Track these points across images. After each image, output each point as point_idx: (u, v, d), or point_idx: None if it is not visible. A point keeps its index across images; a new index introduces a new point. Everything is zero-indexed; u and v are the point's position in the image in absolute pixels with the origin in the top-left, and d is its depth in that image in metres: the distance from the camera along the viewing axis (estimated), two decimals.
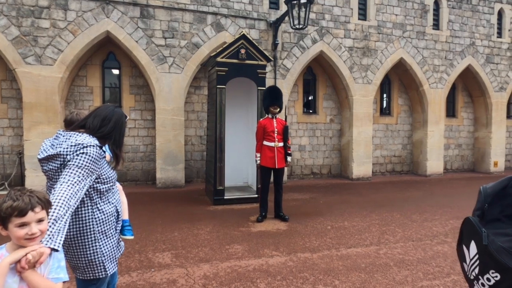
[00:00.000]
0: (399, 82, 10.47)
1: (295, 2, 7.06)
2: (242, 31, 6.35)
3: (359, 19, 9.26)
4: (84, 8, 7.14)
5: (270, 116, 5.49)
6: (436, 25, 10.10)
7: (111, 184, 1.95)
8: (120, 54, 8.02)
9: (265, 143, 5.40)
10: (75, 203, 1.64)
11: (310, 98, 9.83)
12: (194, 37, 7.90)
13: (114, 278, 2.22)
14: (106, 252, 1.91)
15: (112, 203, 1.96)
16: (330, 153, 9.81)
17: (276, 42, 8.41)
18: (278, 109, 5.47)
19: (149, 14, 7.57)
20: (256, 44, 6.43)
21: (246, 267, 3.66)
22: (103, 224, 1.88)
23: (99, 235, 1.86)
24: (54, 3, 6.97)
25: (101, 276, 1.91)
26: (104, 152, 1.88)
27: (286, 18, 8.08)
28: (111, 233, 1.94)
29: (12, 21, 6.76)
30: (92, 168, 1.76)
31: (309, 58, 8.84)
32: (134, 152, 8.17)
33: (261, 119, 5.62)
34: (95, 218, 1.85)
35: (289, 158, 5.51)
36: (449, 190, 8.23)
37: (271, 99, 5.45)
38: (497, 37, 10.80)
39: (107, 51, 7.99)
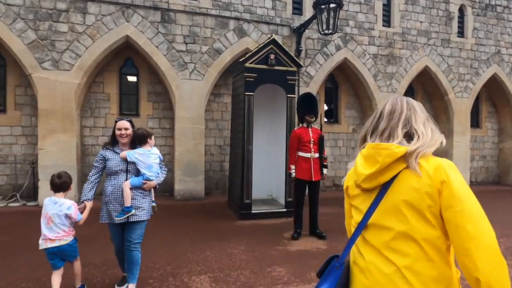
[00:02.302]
0: (422, 91, 10.12)
1: (323, 6, 6.76)
2: (271, 36, 6.03)
3: (383, 26, 8.97)
4: (104, 12, 6.85)
5: (305, 125, 5.12)
6: (461, 33, 9.80)
7: (111, 171, 3.11)
8: (138, 60, 7.71)
9: (300, 154, 5.01)
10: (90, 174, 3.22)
11: (332, 107, 9.47)
12: (216, 42, 7.59)
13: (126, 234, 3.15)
14: (102, 212, 3.17)
15: (108, 183, 3.13)
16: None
17: (300, 48, 8.09)
18: (314, 118, 5.10)
19: (170, 18, 7.28)
20: (286, 49, 6.10)
21: None
22: (105, 191, 3.13)
23: (103, 197, 3.15)
24: (72, 6, 6.69)
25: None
26: (110, 150, 3.17)
27: (311, 24, 7.79)
28: (109, 199, 3.08)
29: (29, 25, 6.47)
30: (98, 155, 3.21)
31: (333, 65, 8.52)
32: None
33: (295, 129, 5.25)
34: (105, 186, 3.16)
35: (325, 170, 5.13)
36: (483, 204, 7.76)
37: (306, 107, 5.08)
38: None
39: (125, 57, 7.68)
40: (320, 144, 5.08)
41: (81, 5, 6.73)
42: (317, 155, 5.04)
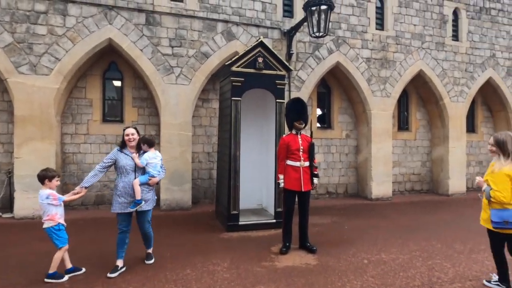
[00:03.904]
0: (417, 95, 9.91)
1: (314, 8, 6.52)
2: (259, 38, 5.75)
3: (376, 29, 8.76)
4: (85, 13, 6.56)
5: (294, 132, 4.84)
6: (456, 36, 9.62)
7: (122, 170, 3.88)
8: (122, 64, 7.42)
9: (289, 162, 4.72)
10: (99, 165, 3.94)
11: (324, 112, 9.22)
12: (203, 46, 7.31)
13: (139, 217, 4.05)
14: (114, 203, 3.89)
15: (119, 179, 3.90)
16: (346, 171, 9.14)
17: (291, 52, 7.85)
18: (304, 124, 4.83)
19: (155, 21, 7.00)
20: (275, 52, 5.83)
21: None
22: (117, 187, 3.89)
23: (115, 191, 3.91)
24: (52, 8, 6.38)
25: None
26: (121, 152, 3.95)
27: (302, 27, 7.56)
28: (121, 192, 3.86)
29: (5, 27, 6.15)
30: (110, 154, 3.96)
31: (325, 70, 8.27)
32: None
33: (284, 136, 4.96)
34: (117, 182, 3.93)
35: (315, 180, 4.82)
36: (480, 212, 7.51)
37: (295, 113, 4.81)
38: None
39: (108, 61, 7.37)
40: (310, 152, 4.79)
41: (61, 7, 6.43)
42: (307, 163, 4.75)
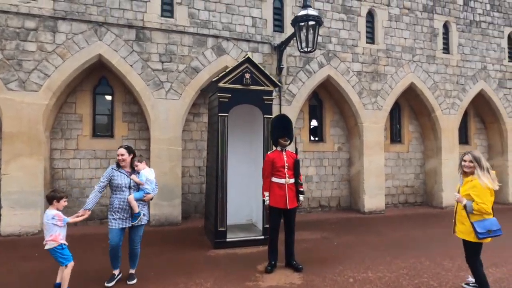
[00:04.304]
0: (409, 108, 9.93)
1: (302, 24, 6.57)
2: (246, 54, 5.79)
3: (367, 42, 8.82)
4: (75, 30, 6.61)
5: (279, 148, 4.82)
6: (446, 49, 9.68)
7: (117, 187, 4.01)
8: (113, 79, 7.44)
9: (274, 179, 4.69)
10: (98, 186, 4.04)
11: (316, 125, 9.22)
12: (194, 61, 7.35)
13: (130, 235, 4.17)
14: (112, 220, 4.02)
15: (115, 197, 4.03)
16: (338, 184, 9.10)
17: (281, 66, 7.89)
18: (289, 141, 4.82)
19: (145, 36, 7.04)
20: (262, 68, 5.86)
21: None
22: (113, 204, 4.03)
23: (111, 208, 4.04)
24: (42, 25, 6.43)
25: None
26: (116, 170, 4.08)
27: (292, 41, 7.61)
28: (116, 209, 3.99)
29: None
30: (106, 173, 4.06)
31: (315, 83, 8.30)
32: None
33: (269, 153, 4.94)
34: (112, 199, 4.05)
35: (301, 197, 4.79)
36: None
37: (280, 130, 4.80)
38: (509, 61, 10.38)
39: (99, 76, 7.40)
40: (295, 169, 4.77)
41: (51, 24, 6.48)
42: (292, 180, 4.73)
